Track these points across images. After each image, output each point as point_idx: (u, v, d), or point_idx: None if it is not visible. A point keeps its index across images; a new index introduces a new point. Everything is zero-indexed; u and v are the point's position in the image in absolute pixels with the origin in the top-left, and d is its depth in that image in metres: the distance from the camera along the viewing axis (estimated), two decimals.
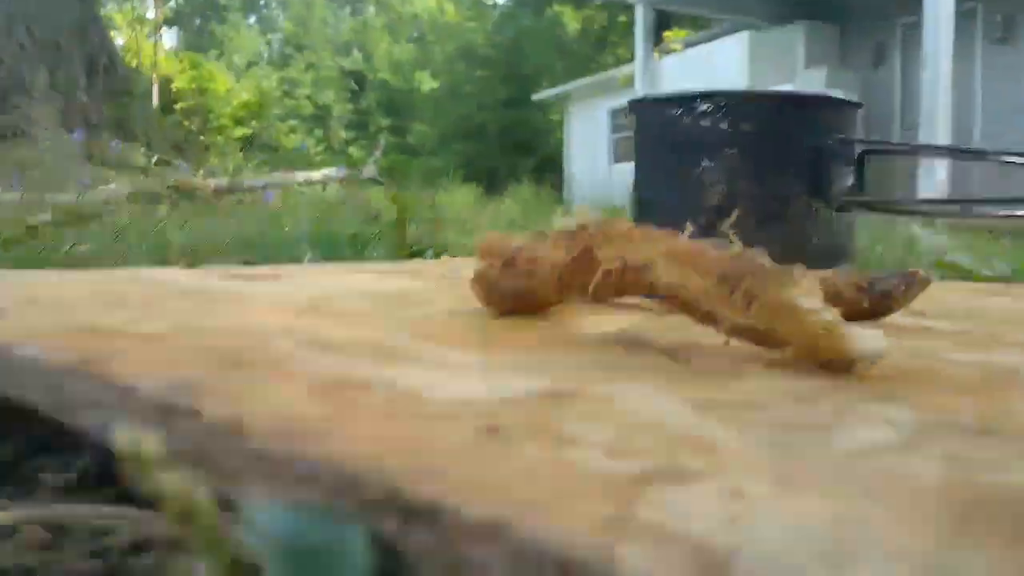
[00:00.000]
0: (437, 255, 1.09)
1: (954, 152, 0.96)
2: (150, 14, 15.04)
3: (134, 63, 9.77)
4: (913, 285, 0.52)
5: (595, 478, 0.21)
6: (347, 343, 0.37)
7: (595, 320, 0.51)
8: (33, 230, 0.92)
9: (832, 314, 0.38)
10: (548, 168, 11.77)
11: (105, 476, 0.37)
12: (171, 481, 0.20)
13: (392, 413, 0.26)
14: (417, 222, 1.17)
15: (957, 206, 0.87)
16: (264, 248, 1.03)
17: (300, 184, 2.67)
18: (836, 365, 0.37)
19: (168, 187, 2.11)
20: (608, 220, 0.46)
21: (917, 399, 0.33)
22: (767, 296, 0.39)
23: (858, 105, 0.85)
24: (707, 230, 0.80)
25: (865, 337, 0.37)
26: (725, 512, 0.19)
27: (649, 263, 0.43)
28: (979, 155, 0.81)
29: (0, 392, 0.35)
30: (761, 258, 0.41)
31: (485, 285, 0.50)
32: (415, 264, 0.88)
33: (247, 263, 0.91)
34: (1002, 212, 0.85)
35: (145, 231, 1.01)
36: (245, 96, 15.00)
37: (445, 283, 0.70)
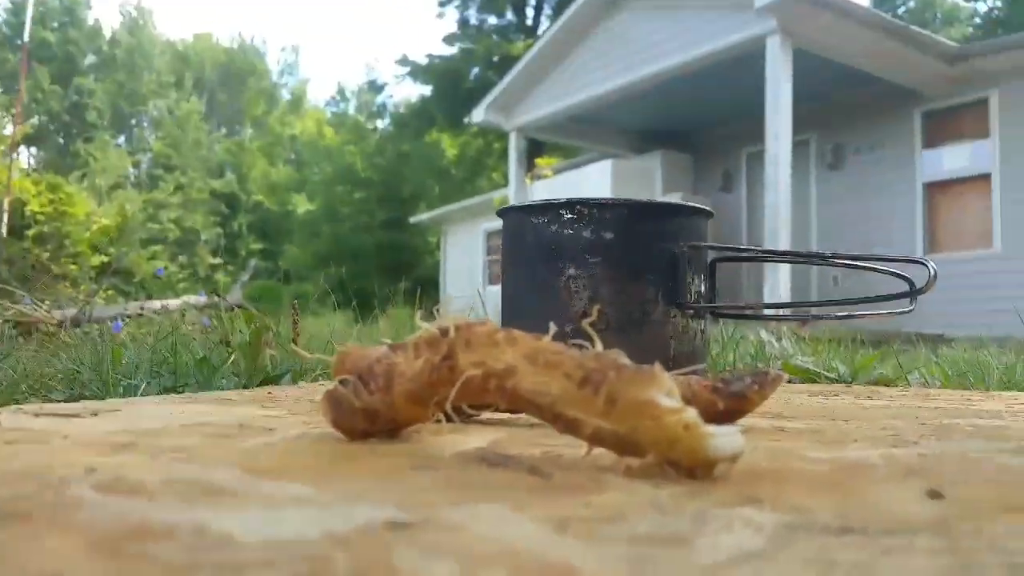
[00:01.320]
0: (296, 380, 1.03)
1: (796, 256, 1.04)
2: (8, 130, 14.35)
3: None
4: (766, 384, 0.52)
5: None
6: (159, 485, 0.32)
7: (456, 438, 0.48)
8: None
9: (692, 413, 0.37)
10: (424, 290, 11.80)
11: None
12: None
13: (191, 566, 0.21)
14: (277, 343, 1.10)
15: (799, 309, 0.92)
16: (97, 382, 0.93)
17: (156, 312, 2.51)
18: (697, 468, 0.36)
19: (4, 321, 1.91)
20: (469, 323, 0.44)
21: (777, 499, 0.32)
22: (628, 396, 0.38)
23: (709, 213, 0.89)
24: (573, 336, 0.80)
25: (724, 436, 0.36)
26: None
27: (511, 368, 0.41)
28: (820, 258, 0.87)
29: None
30: (621, 358, 0.40)
31: (335, 406, 0.46)
32: (268, 391, 0.81)
33: (71, 399, 0.82)
34: (839, 312, 0.90)
35: None
36: (105, 221, 14.38)
37: (298, 408, 0.65)
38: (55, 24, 21.36)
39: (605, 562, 0.22)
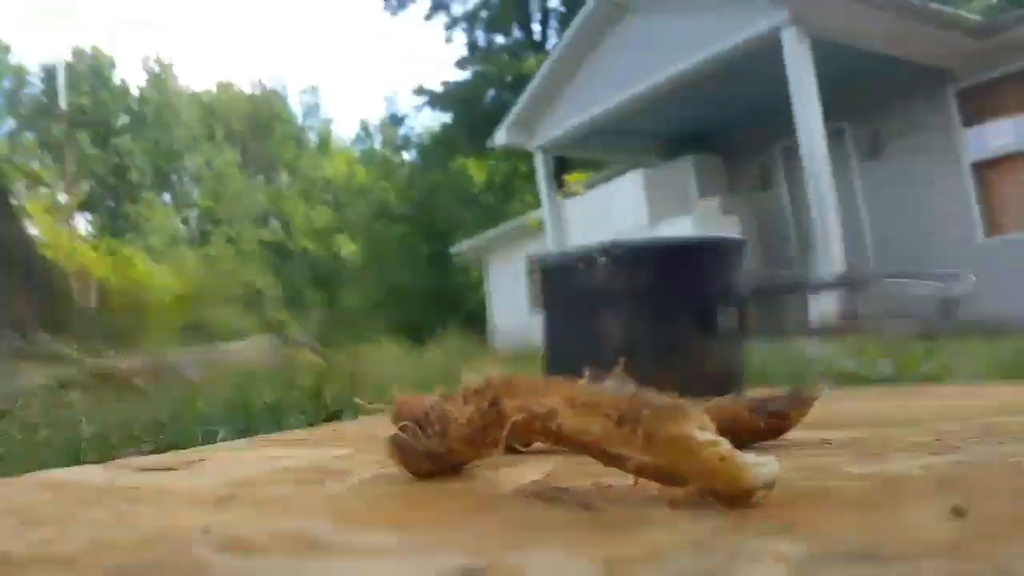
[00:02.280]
0: (355, 416, 1.09)
1: (835, 284, 1.05)
2: (62, 198, 15.00)
3: (50, 253, 9.60)
4: (801, 402, 0.55)
5: None
6: (268, 540, 0.37)
7: (511, 472, 0.52)
8: None
9: (726, 444, 0.40)
10: (475, 319, 12.00)
11: None
12: None
13: None
14: (339, 380, 1.17)
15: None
16: (177, 430, 1.00)
17: (229, 356, 2.63)
18: (736, 496, 0.39)
19: (89, 374, 2.05)
20: (511, 374, 0.48)
21: (809, 526, 0.34)
22: (664, 433, 0.41)
23: (742, 244, 0.92)
24: (610, 371, 0.84)
25: (759, 464, 0.39)
26: None
27: (552, 411, 0.45)
28: (861, 283, 0.89)
29: None
30: (656, 396, 0.44)
31: (400, 450, 0.51)
32: (333, 428, 0.87)
33: (158, 450, 0.89)
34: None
35: (55, 424, 0.97)
36: (167, 279, 14.93)
37: (365, 447, 0.70)
38: (86, 88, 22.29)
39: None
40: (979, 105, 5.86)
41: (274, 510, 0.44)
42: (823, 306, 4.64)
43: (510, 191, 16.72)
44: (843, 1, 5.01)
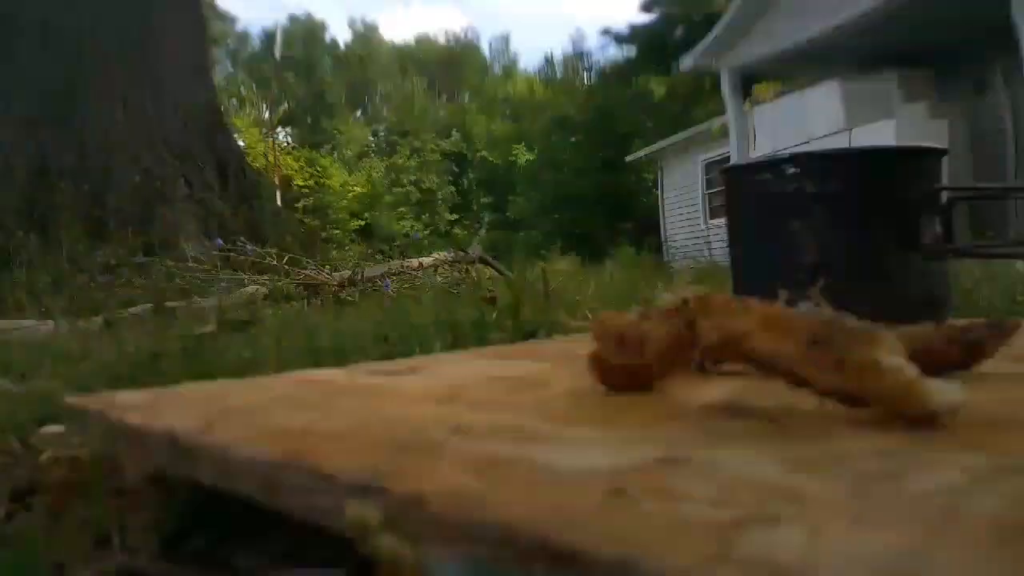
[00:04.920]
0: (549, 335, 1.17)
1: None
2: (266, 115, 16.59)
3: (255, 164, 10.58)
4: (1000, 334, 0.54)
5: (701, 524, 0.27)
6: (488, 429, 0.44)
7: (699, 391, 0.57)
8: (200, 338, 1.07)
9: (913, 370, 0.42)
10: (646, 227, 11.87)
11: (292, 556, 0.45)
12: (387, 543, 0.27)
13: (536, 482, 0.33)
14: (533, 300, 1.27)
15: None
16: (399, 341, 1.14)
17: (413, 270, 2.87)
18: (921, 420, 0.41)
19: (298, 285, 2.33)
20: (706, 294, 0.52)
21: (994, 445, 0.36)
22: (854, 357, 0.43)
23: (942, 152, 0.87)
24: (801, 289, 0.84)
25: (944, 391, 0.41)
26: (806, 546, 0.24)
27: (747, 333, 0.49)
28: None
29: (214, 485, 0.44)
30: (849, 320, 0.46)
31: (599, 365, 0.56)
32: (531, 346, 0.96)
33: (384, 358, 1.01)
34: None
35: (293, 332, 1.15)
36: (358, 189, 16.18)
37: (561, 363, 0.77)
38: (297, 46, 24.73)
39: (828, 490, 0.30)
40: None
41: (490, 407, 0.51)
42: None
43: (695, 98, 16.02)
44: None
